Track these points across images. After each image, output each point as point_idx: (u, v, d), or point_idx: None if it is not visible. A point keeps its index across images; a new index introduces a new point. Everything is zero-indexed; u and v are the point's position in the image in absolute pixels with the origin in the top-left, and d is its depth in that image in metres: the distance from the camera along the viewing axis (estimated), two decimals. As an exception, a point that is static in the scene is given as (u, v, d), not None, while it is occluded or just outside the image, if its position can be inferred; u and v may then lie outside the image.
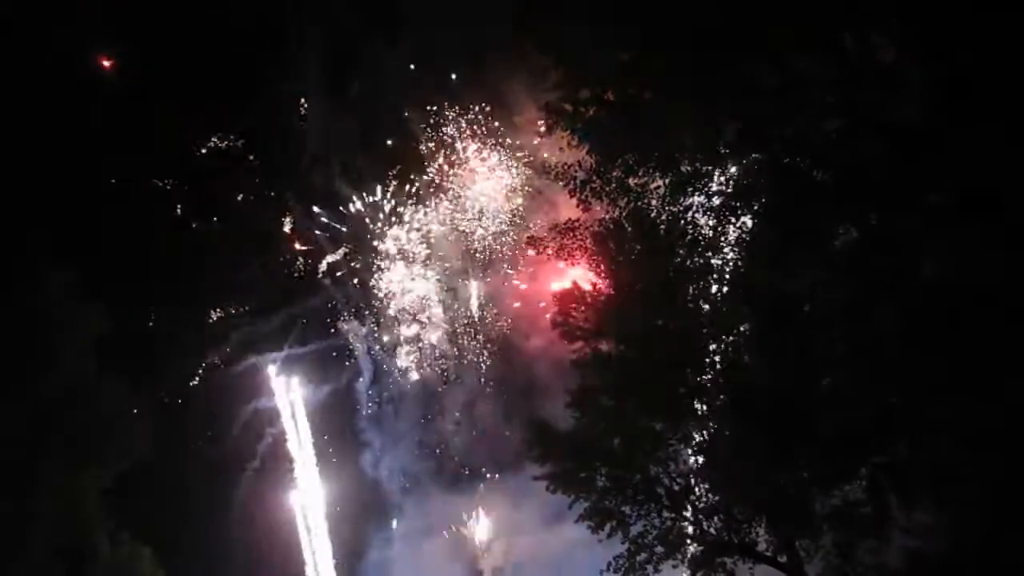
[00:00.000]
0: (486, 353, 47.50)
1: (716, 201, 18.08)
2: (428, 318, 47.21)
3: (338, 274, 47.05)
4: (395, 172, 45.82)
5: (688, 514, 20.34)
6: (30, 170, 36.00)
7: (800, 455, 18.54)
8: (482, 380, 47.79)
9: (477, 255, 46.09)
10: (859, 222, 16.61)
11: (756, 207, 17.78)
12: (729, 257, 19.02)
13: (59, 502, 28.76)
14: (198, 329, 45.19)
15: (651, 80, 17.25)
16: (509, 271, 46.08)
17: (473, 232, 45.67)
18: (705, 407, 20.10)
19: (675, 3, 16.59)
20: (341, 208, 46.64)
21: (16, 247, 29.26)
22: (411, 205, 45.95)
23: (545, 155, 20.21)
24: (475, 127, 44.47)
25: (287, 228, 46.84)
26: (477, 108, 44.10)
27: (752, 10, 16.20)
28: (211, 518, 40.74)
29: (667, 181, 18.13)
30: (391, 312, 47.22)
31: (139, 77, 41.89)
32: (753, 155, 17.04)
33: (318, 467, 45.99)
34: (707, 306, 19.97)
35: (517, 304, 46.57)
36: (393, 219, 46.35)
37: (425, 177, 45.36)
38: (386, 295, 46.97)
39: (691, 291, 19.86)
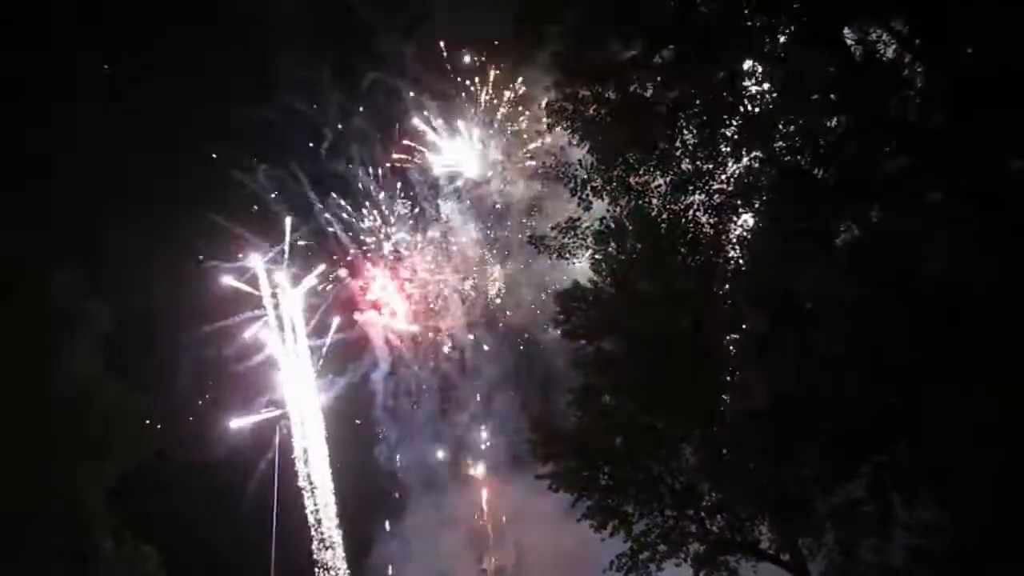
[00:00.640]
0: (505, 344, 47.00)
1: (717, 199, 18.04)
2: (447, 308, 46.74)
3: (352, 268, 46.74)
4: (411, 162, 45.38)
5: (691, 513, 20.31)
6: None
7: (802, 453, 18.51)
8: (500, 372, 47.45)
9: (497, 244, 45.54)
10: (861, 220, 16.59)
11: (758, 205, 17.74)
12: (731, 255, 18.98)
13: (62, 502, 28.76)
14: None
15: (652, 78, 17.23)
16: (530, 260, 45.33)
17: (492, 221, 44.99)
18: (707, 406, 20.06)
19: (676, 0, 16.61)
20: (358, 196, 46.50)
21: (19, 247, 29.20)
22: (429, 193, 45.45)
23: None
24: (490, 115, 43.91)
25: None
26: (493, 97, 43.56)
27: (753, 7, 16.20)
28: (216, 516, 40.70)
29: (668, 179, 18.09)
30: (409, 302, 46.80)
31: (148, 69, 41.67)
32: (754, 153, 16.99)
33: (332, 462, 45.95)
34: (709, 305, 19.92)
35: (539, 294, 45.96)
36: (410, 208, 45.97)
37: (443, 168, 44.92)
38: (404, 284, 46.53)
39: (693, 290, 19.81)
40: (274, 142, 45.62)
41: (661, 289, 19.52)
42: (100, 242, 39.20)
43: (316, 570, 45.31)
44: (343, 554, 45.56)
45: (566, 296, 21.47)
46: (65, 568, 29.14)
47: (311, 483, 45.72)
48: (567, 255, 20.14)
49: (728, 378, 19.71)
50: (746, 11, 16.43)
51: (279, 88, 43.71)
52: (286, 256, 46.56)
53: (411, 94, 44.55)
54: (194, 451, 41.68)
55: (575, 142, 18.43)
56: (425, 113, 44.87)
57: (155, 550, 34.01)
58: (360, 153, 45.88)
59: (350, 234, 47.03)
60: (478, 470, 48.28)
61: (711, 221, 18.68)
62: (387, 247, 47.21)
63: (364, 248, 47.07)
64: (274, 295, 46.23)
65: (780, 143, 16.65)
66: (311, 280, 47.14)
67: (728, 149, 17.24)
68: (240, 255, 46.15)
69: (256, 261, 46.32)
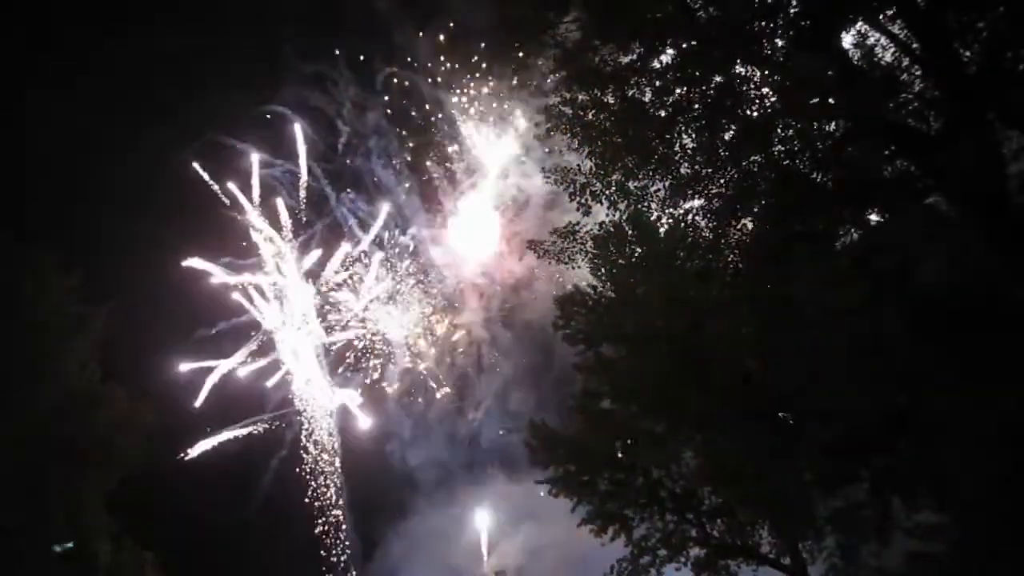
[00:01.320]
0: (522, 339, 46.54)
1: (717, 204, 18.02)
2: (463, 302, 46.33)
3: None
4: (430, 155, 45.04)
5: (691, 517, 20.32)
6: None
7: (802, 457, 18.52)
8: (516, 368, 46.83)
9: (514, 236, 45.05)
10: (860, 224, 16.59)
11: (757, 210, 17.71)
12: (730, 260, 18.95)
13: (61, 508, 28.68)
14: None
15: (650, 82, 17.23)
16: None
17: (509, 213, 44.46)
18: (707, 410, 20.04)
19: (674, 4, 16.60)
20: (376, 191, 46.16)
21: (18, 254, 29.10)
22: (445, 186, 45.09)
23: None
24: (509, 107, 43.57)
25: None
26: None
27: (752, 11, 16.20)
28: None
29: (667, 184, 18.07)
30: (425, 295, 46.40)
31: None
32: (753, 157, 16.97)
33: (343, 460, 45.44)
34: (708, 309, 19.91)
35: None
36: (426, 202, 45.66)
37: (460, 162, 44.61)
38: (420, 278, 46.13)
39: (692, 294, 19.80)
40: (285, 135, 44.99)
41: (660, 293, 19.51)
42: (99, 244, 38.96)
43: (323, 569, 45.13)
44: (353, 554, 45.34)
45: (566, 300, 21.47)
46: (67, 574, 29.06)
47: (321, 483, 45.44)
48: (566, 260, 20.13)
49: (728, 382, 19.66)
50: (744, 15, 16.44)
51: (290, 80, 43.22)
52: (291, 245, 45.96)
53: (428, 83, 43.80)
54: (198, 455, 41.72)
55: (574, 147, 18.41)
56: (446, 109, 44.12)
57: (154, 556, 33.97)
58: (377, 147, 45.34)
59: (365, 228, 46.45)
60: (490, 469, 47.59)
61: (710, 225, 18.66)
62: (404, 240, 46.66)
63: (380, 241, 46.49)
64: (278, 294, 45.83)
65: (779, 147, 16.63)
66: (327, 271, 46.50)
67: (727, 153, 17.22)
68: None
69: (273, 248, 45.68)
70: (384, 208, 45.77)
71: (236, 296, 45.51)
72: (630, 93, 17.37)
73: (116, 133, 41.16)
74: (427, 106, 44.74)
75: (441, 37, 43.21)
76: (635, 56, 17.19)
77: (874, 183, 15.70)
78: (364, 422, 46.53)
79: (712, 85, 16.74)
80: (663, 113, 17.32)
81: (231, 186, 45.35)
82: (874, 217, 16.46)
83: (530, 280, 45.38)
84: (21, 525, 27.35)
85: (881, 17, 15.56)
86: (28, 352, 28.24)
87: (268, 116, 44.92)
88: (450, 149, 44.98)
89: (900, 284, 15.54)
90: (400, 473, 47.44)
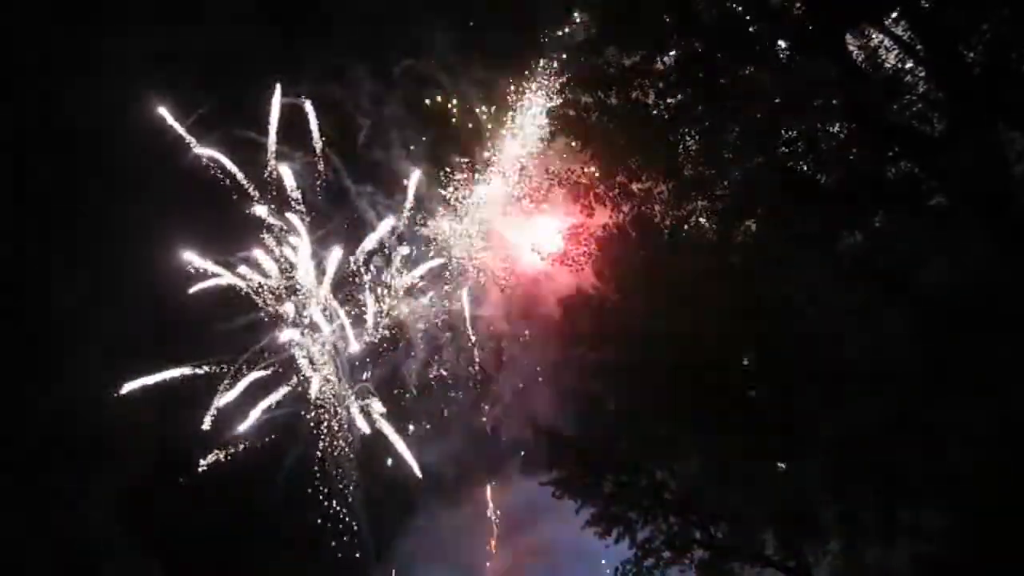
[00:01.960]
0: (544, 334, 45.92)
1: (720, 206, 18.03)
2: (484, 294, 45.38)
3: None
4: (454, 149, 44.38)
5: (695, 519, 20.30)
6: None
7: (807, 460, 18.52)
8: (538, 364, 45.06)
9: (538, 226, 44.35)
10: (864, 225, 16.59)
11: (760, 211, 17.73)
12: (734, 262, 18.97)
13: (67, 514, 28.79)
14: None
15: (654, 85, 17.27)
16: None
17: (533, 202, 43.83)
18: (711, 412, 20.03)
19: (678, 7, 16.64)
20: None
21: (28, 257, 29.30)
22: (465, 178, 44.62)
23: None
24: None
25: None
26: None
27: (755, 12, 16.24)
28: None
29: (670, 186, 18.10)
30: (445, 288, 45.89)
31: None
32: (756, 159, 17.00)
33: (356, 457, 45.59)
34: (712, 311, 19.90)
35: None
36: (446, 195, 44.95)
37: (484, 153, 43.77)
38: (441, 270, 45.87)
39: (696, 296, 19.80)
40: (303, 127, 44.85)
41: (664, 295, 19.51)
42: (105, 246, 38.77)
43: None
44: (365, 553, 45.23)
45: (569, 304, 21.48)
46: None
47: (335, 481, 45.26)
48: (570, 262, 20.18)
49: (732, 384, 19.65)
50: (747, 18, 16.47)
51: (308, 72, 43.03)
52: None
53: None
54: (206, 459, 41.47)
55: (578, 149, 18.46)
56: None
57: (159, 563, 34.04)
58: (396, 139, 44.88)
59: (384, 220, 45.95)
60: (505, 466, 46.96)
61: (714, 227, 18.68)
62: (424, 232, 46.18)
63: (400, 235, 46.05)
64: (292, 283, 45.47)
65: (782, 149, 16.65)
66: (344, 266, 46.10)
67: (730, 155, 17.25)
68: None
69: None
70: (402, 201, 45.22)
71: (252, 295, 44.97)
72: (633, 95, 17.42)
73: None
74: (444, 97, 43.90)
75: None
76: (638, 58, 17.24)
77: (877, 184, 15.71)
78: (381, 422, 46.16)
79: (715, 87, 16.77)
80: (666, 115, 17.37)
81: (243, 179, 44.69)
82: (877, 219, 16.43)
83: (552, 273, 44.62)
84: (28, 531, 27.46)
85: (884, 19, 15.60)
86: (37, 355, 28.38)
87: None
88: (472, 141, 44.33)
89: (903, 285, 15.55)
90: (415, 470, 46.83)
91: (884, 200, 15.93)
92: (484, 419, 46.46)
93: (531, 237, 34.56)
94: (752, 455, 18.79)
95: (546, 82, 38.82)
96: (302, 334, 45.45)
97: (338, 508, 45.14)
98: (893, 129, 15.37)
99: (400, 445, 45.38)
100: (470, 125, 44.22)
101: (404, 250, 45.98)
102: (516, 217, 42.99)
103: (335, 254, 45.21)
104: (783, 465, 18.76)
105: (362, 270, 46.16)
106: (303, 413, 45.14)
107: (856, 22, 15.76)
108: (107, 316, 31.50)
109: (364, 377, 46.33)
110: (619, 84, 17.35)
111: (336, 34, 42.43)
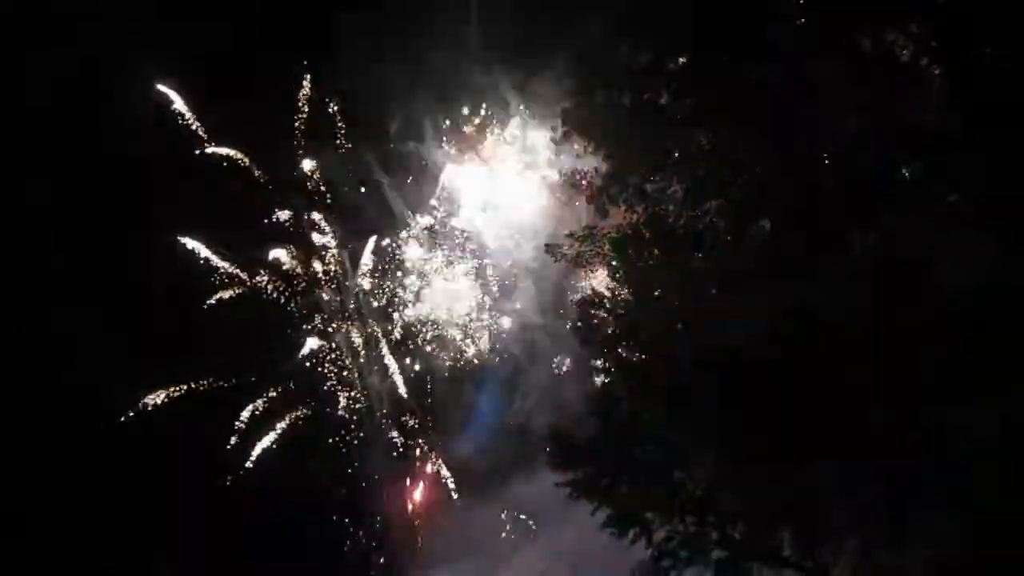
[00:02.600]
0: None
1: (734, 206, 17.99)
2: (516, 284, 44.97)
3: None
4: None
5: (711, 520, 20.21)
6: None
7: (823, 460, 18.42)
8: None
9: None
10: (878, 226, 16.49)
11: (774, 211, 17.67)
12: (747, 262, 18.91)
13: (88, 518, 29.04)
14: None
15: (667, 84, 17.27)
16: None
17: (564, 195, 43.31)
18: (727, 412, 19.96)
19: (692, 5, 16.63)
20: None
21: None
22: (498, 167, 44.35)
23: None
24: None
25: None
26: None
27: (770, 10, 16.20)
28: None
29: (684, 186, 18.09)
30: (478, 280, 45.66)
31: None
32: (770, 158, 16.95)
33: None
34: (727, 311, 19.85)
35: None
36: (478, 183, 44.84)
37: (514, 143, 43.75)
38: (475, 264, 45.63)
39: (710, 297, 19.76)
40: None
41: (678, 296, 19.50)
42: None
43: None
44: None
45: (584, 304, 21.45)
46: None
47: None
48: (584, 263, 20.19)
49: (746, 384, 19.55)
50: (761, 16, 16.43)
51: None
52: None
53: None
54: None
55: (591, 149, 18.48)
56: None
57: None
58: (426, 130, 44.59)
59: (416, 212, 45.73)
60: (533, 462, 46.52)
61: (728, 227, 18.64)
62: (457, 221, 45.97)
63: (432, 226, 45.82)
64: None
65: (796, 148, 16.61)
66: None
67: (744, 155, 17.23)
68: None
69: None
70: (434, 190, 44.98)
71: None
72: (647, 95, 17.43)
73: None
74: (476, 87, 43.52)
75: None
76: (652, 58, 17.24)
77: (892, 184, 15.63)
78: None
79: (729, 86, 16.75)
80: (680, 115, 17.36)
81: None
82: (891, 218, 16.32)
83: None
84: (49, 535, 27.75)
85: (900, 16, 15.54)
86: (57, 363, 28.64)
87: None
88: (502, 130, 44.01)
89: (918, 287, 15.44)
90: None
91: (899, 199, 15.84)
92: (513, 413, 46.01)
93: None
94: (768, 456, 18.70)
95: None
96: (335, 329, 45.54)
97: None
98: (908, 127, 15.29)
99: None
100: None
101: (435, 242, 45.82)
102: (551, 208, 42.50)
103: (367, 246, 45.26)
104: (799, 466, 18.65)
105: (392, 264, 46.11)
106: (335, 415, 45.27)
107: (872, 20, 15.70)
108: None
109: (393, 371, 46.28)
110: (632, 84, 17.35)
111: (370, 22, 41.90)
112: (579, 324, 21.52)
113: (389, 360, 45.61)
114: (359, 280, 45.56)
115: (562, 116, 18.07)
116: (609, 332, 21.01)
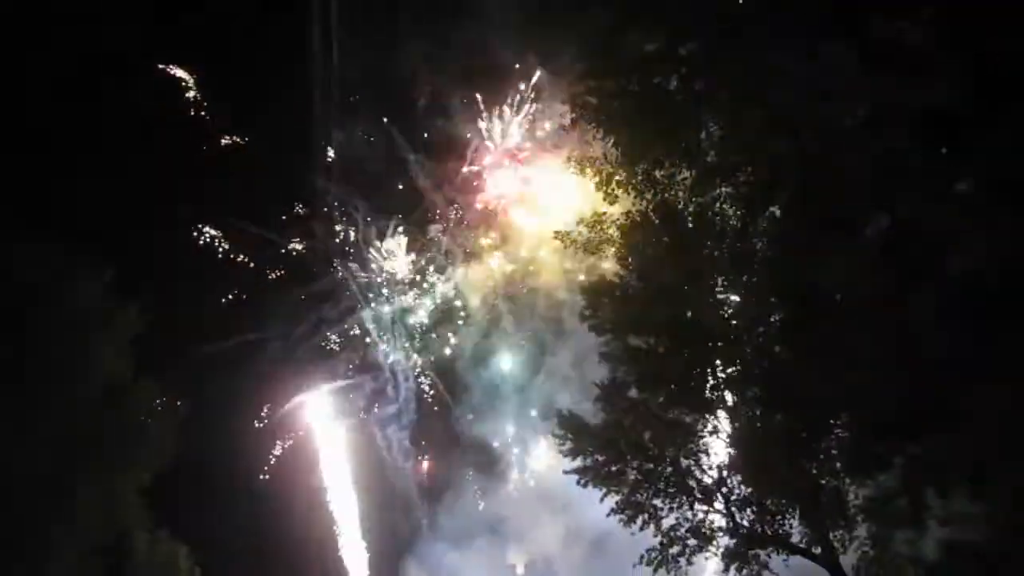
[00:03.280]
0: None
1: (743, 192, 17.92)
2: (543, 262, 43.96)
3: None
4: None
5: (720, 506, 20.21)
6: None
7: (833, 446, 18.41)
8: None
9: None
10: (890, 210, 16.42)
11: (784, 197, 17.60)
12: (758, 248, 18.86)
13: (98, 501, 29.03)
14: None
15: (677, 70, 17.19)
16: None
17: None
18: (736, 398, 19.95)
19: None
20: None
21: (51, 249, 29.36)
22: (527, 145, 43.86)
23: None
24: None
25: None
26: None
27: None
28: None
29: (693, 172, 18.02)
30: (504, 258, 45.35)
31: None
32: (780, 144, 16.86)
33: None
34: (736, 297, 19.81)
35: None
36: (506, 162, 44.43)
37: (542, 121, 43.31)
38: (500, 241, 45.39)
39: (720, 283, 19.71)
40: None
41: (687, 282, 19.45)
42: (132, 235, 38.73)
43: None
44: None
45: (592, 290, 21.40)
46: (103, 564, 29.42)
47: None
48: (593, 250, 20.15)
49: (757, 370, 19.53)
50: (771, 2, 16.35)
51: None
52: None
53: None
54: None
55: (599, 136, 18.40)
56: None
57: (189, 549, 34.38)
58: (455, 107, 44.25)
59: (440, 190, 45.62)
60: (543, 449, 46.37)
61: (738, 213, 18.58)
62: (483, 200, 45.65)
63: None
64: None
65: (806, 134, 16.52)
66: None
67: (753, 141, 17.14)
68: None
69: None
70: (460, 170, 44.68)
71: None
72: (655, 81, 17.35)
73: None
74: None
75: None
76: (660, 44, 17.15)
77: (903, 168, 15.54)
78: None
79: (739, 73, 16.66)
80: (690, 101, 17.28)
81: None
82: (903, 203, 16.24)
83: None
84: (59, 517, 27.72)
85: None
86: (64, 346, 28.55)
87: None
88: (530, 107, 43.73)
89: (930, 270, 15.38)
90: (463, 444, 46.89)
91: (911, 184, 15.76)
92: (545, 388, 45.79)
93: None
94: (777, 441, 18.69)
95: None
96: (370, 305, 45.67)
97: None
98: (920, 112, 15.19)
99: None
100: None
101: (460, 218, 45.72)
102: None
103: (395, 222, 45.29)
104: (809, 451, 18.63)
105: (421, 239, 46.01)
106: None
107: (881, 4, 15.60)
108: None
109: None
110: (641, 70, 17.26)
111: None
112: (587, 310, 21.49)
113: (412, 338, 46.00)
114: (384, 257, 45.69)
115: (572, 102, 17.97)
116: (617, 318, 20.94)
